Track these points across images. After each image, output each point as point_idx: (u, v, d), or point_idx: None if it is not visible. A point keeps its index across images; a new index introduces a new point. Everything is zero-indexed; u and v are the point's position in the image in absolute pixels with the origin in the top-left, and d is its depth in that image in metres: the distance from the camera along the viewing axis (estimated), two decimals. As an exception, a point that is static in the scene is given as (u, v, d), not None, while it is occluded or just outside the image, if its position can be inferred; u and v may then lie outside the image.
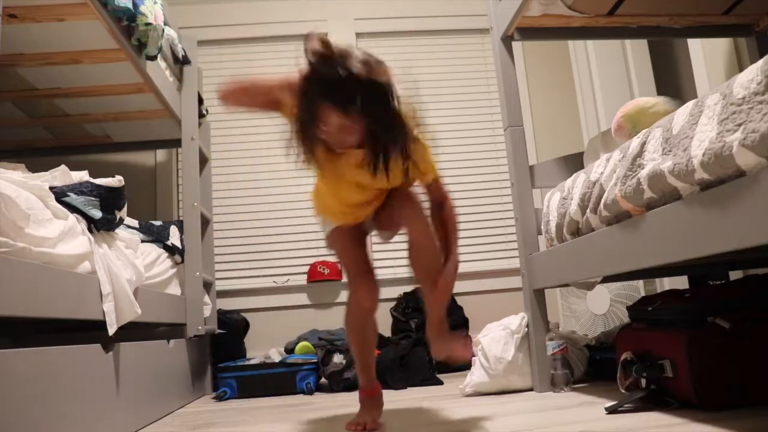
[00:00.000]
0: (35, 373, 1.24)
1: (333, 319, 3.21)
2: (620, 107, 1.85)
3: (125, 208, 1.88)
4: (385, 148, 1.35)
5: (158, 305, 2.13)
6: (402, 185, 1.52)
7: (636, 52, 3.18)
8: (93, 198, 1.68)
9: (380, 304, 1.59)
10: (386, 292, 3.25)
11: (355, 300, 1.59)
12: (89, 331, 1.66)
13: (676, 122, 1.24)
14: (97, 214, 1.67)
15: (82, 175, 1.78)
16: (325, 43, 1.23)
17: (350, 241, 1.60)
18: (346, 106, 1.24)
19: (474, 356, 2.12)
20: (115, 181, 1.79)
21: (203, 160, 2.93)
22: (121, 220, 1.86)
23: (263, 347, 3.04)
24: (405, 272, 3.31)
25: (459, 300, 3.22)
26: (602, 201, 1.53)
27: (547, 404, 1.74)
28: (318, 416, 1.87)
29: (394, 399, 2.11)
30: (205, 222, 2.88)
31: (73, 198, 1.62)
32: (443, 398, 2.05)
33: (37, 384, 1.24)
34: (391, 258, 3.40)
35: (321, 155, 1.42)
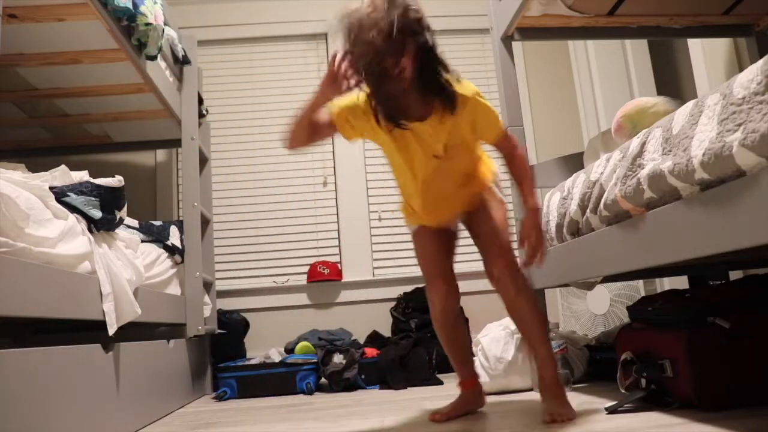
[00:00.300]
0: (35, 373, 1.24)
1: (333, 319, 3.21)
2: (620, 107, 1.85)
3: (125, 208, 1.88)
4: (435, 78, 1.39)
5: (158, 305, 2.13)
6: (479, 189, 1.60)
7: (636, 52, 3.18)
8: (93, 198, 1.69)
9: (459, 304, 1.68)
10: (386, 292, 3.26)
11: (430, 302, 1.66)
12: (89, 331, 1.66)
13: (676, 122, 1.24)
14: (97, 214, 1.67)
15: (82, 175, 1.78)
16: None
17: (430, 243, 1.67)
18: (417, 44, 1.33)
19: (474, 356, 2.12)
20: (115, 181, 1.79)
21: (203, 160, 2.93)
22: (121, 220, 1.86)
23: (263, 347, 3.04)
24: (405, 272, 3.33)
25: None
26: (602, 201, 1.53)
27: (547, 404, 1.74)
28: (318, 416, 1.87)
29: (394, 399, 2.11)
30: (205, 222, 2.88)
31: (73, 198, 1.62)
32: (443, 398, 2.04)
33: (37, 384, 1.24)
34: (391, 258, 3.40)
35: (391, 140, 1.48)
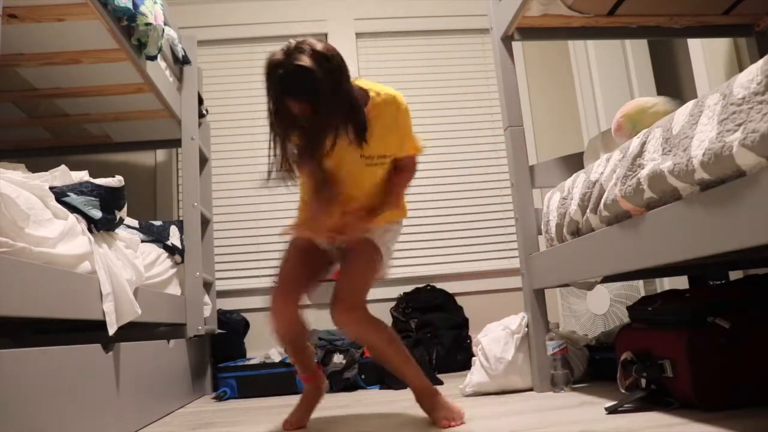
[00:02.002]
0: (35, 373, 1.24)
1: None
2: (620, 107, 1.85)
3: (125, 208, 1.88)
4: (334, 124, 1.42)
5: (158, 305, 2.13)
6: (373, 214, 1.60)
7: (636, 52, 3.18)
8: (93, 198, 1.69)
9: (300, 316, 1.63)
10: (386, 292, 3.25)
11: (272, 310, 1.58)
12: (89, 331, 1.66)
13: (676, 122, 1.24)
14: (97, 214, 1.67)
15: (82, 175, 1.78)
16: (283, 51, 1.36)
17: (303, 255, 1.64)
18: (299, 95, 1.35)
19: (474, 356, 2.12)
20: (115, 181, 1.79)
21: (203, 160, 2.93)
22: (121, 220, 1.86)
23: (263, 347, 3.03)
24: (405, 272, 3.32)
25: (459, 300, 3.22)
26: (602, 201, 1.53)
27: (547, 404, 1.74)
28: (318, 416, 1.87)
29: (394, 399, 2.11)
30: (205, 222, 2.88)
31: (73, 198, 1.62)
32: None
33: (37, 384, 1.24)
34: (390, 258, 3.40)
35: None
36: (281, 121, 1.41)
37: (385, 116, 1.54)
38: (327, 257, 1.69)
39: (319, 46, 1.36)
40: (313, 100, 1.36)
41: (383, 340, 1.61)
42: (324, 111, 1.37)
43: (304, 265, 1.63)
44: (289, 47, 1.36)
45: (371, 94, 1.54)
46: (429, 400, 1.57)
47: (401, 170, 1.67)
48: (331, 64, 1.37)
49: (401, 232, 1.78)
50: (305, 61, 1.33)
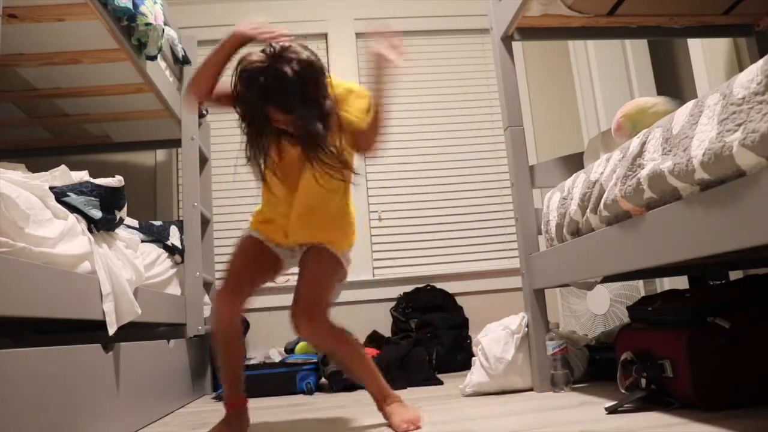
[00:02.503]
0: (35, 373, 1.24)
1: (333, 319, 3.20)
2: (620, 107, 1.85)
3: (125, 208, 1.88)
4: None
5: (158, 305, 2.13)
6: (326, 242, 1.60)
7: (636, 52, 3.18)
8: (93, 198, 1.69)
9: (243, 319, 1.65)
10: (386, 292, 3.26)
11: (216, 309, 1.57)
12: (89, 331, 1.66)
13: (676, 122, 1.24)
14: (97, 214, 1.67)
15: (82, 175, 1.78)
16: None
17: (253, 254, 1.63)
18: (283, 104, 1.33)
19: (474, 356, 2.12)
20: (115, 181, 1.79)
21: (203, 160, 2.93)
22: (121, 220, 1.86)
23: (263, 347, 3.04)
24: (405, 272, 3.33)
25: (459, 300, 3.22)
26: (602, 201, 1.53)
27: (547, 404, 1.74)
28: (318, 416, 1.87)
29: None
30: (205, 222, 2.88)
31: (73, 198, 1.62)
32: (443, 398, 2.05)
33: (37, 384, 1.24)
34: (391, 258, 3.40)
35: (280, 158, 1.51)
36: (257, 127, 1.40)
37: (345, 106, 1.51)
38: (276, 261, 1.67)
39: (304, 55, 1.35)
40: (295, 109, 1.34)
41: (344, 349, 1.63)
42: (304, 119, 1.35)
43: (252, 265, 1.62)
44: (274, 53, 1.34)
45: (335, 91, 1.50)
46: (388, 406, 1.58)
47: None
48: (315, 72, 1.36)
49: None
50: (292, 71, 1.31)
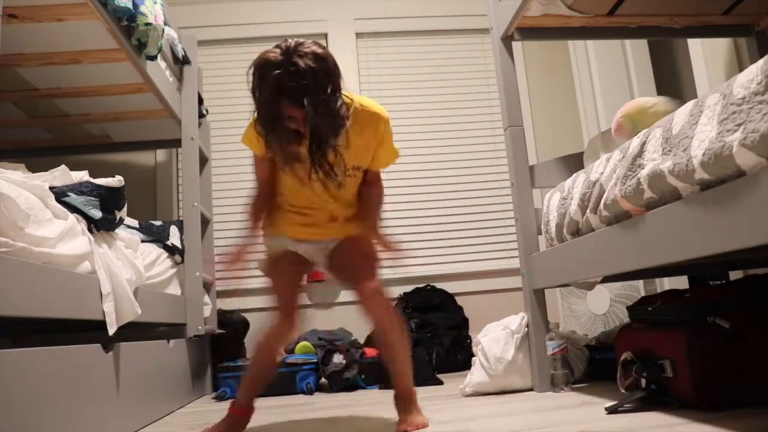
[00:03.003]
0: (35, 373, 1.24)
1: (333, 319, 3.21)
2: (620, 107, 1.85)
3: (125, 208, 1.87)
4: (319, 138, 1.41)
5: (158, 305, 2.13)
6: (360, 232, 1.64)
7: (636, 52, 3.18)
8: (93, 198, 1.69)
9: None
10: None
11: (278, 328, 1.59)
12: (89, 331, 1.66)
13: (676, 122, 1.24)
14: (97, 214, 1.67)
15: (82, 175, 1.78)
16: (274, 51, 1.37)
17: (288, 273, 1.64)
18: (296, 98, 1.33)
19: (474, 356, 2.12)
20: (115, 181, 1.79)
21: (203, 160, 2.92)
22: (121, 220, 1.86)
23: (263, 347, 3.03)
24: (405, 272, 3.32)
25: (459, 300, 3.22)
26: (602, 201, 1.53)
27: (547, 404, 1.74)
28: (318, 416, 1.87)
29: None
30: (205, 222, 2.88)
31: (73, 198, 1.62)
32: (443, 398, 2.05)
33: (37, 384, 1.24)
34: (391, 258, 3.40)
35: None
36: (271, 122, 1.39)
37: (367, 131, 1.53)
38: (307, 265, 1.69)
39: (319, 51, 1.35)
40: (309, 104, 1.33)
41: (398, 328, 1.60)
42: (316, 116, 1.35)
43: (294, 281, 1.65)
44: (288, 48, 1.34)
45: (355, 105, 1.51)
46: (407, 402, 1.58)
47: (371, 184, 1.67)
48: (329, 68, 1.36)
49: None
50: (307, 65, 1.31)
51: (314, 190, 1.57)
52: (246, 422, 1.63)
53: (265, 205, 1.68)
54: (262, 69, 1.37)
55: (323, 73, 1.35)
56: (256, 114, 1.43)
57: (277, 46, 1.37)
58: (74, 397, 1.39)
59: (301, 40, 1.37)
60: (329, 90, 1.36)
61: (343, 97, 1.42)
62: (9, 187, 1.33)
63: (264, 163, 1.66)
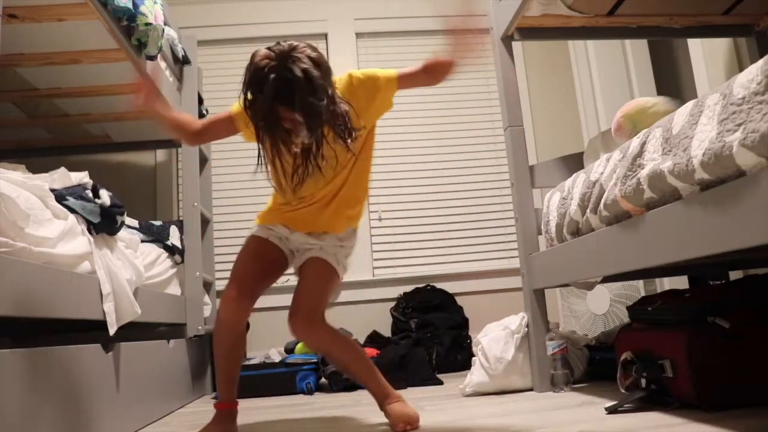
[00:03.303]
0: (35, 373, 1.24)
1: (333, 319, 3.19)
2: (620, 107, 1.85)
3: (125, 215, 1.87)
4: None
5: (158, 305, 2.13)
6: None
7: (636, 52, 3.18)
8: (93, 205, 1.68)
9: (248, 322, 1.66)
10: (386, 292, 3.26)
11: (223, 306, 1.55)
12: (89, 331, 1.66)
13: (676, 122, 1.24)
14: (97, 218, 1.67)
15: (82, 176, 1.78)
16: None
17: (258, 255, 1.65)
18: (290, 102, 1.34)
19: (474, 356, 2.12)
20: (114, 200, 1.79)
21: (203, 160, 2.93)
22: (122, 224, 1.85)
23: (263, 347, 3.04)
24: (405, 272, 3.33)
25: (459, 300, 3.22)
26: (602, 201, 1.53)
27: (547, 404, 1.74)
28: (318, 416, 1.87)
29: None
30: (205, 222, 2.88)
31: (71, 202, 1.62)
32: (443, 398, 2.05)
33: (37, 384, 1.24)
34: (390, 258, 3.40)
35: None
36: (269, 125, 1.40)
37: (359, 96, 1.53)
38: (281, 261, 1.68)
39: (313, 55, 1.36)
40: (304, 109, 1.34)
41: (341, 350, 1.65)
42: (312, 119, 1.36)
43: (257, 266, 1.63)
44: (282, 52, 1.34)
45: (352, 80, 1.55)
46: (389, 405, 1.58)
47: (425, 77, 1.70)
48: (322, 72, 1.37)
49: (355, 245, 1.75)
50: (302, 71, 1.32)
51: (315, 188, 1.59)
52: (235, 414, 1.65)
53: (182, 128, 1.69)
54: (257, 72, 1.38)
55: (320, 78, 1.35)
56: (251, 114, 1.43)
57: (271, 50, 1.37)
58: (74, 397, 1.39)
59: (295, 43, 1.37)
60: (323, 93, 1.36)
61: (337, 94, 1.44)
62: (9, 187, 1.32)
63: (230, 126, 1.70)
